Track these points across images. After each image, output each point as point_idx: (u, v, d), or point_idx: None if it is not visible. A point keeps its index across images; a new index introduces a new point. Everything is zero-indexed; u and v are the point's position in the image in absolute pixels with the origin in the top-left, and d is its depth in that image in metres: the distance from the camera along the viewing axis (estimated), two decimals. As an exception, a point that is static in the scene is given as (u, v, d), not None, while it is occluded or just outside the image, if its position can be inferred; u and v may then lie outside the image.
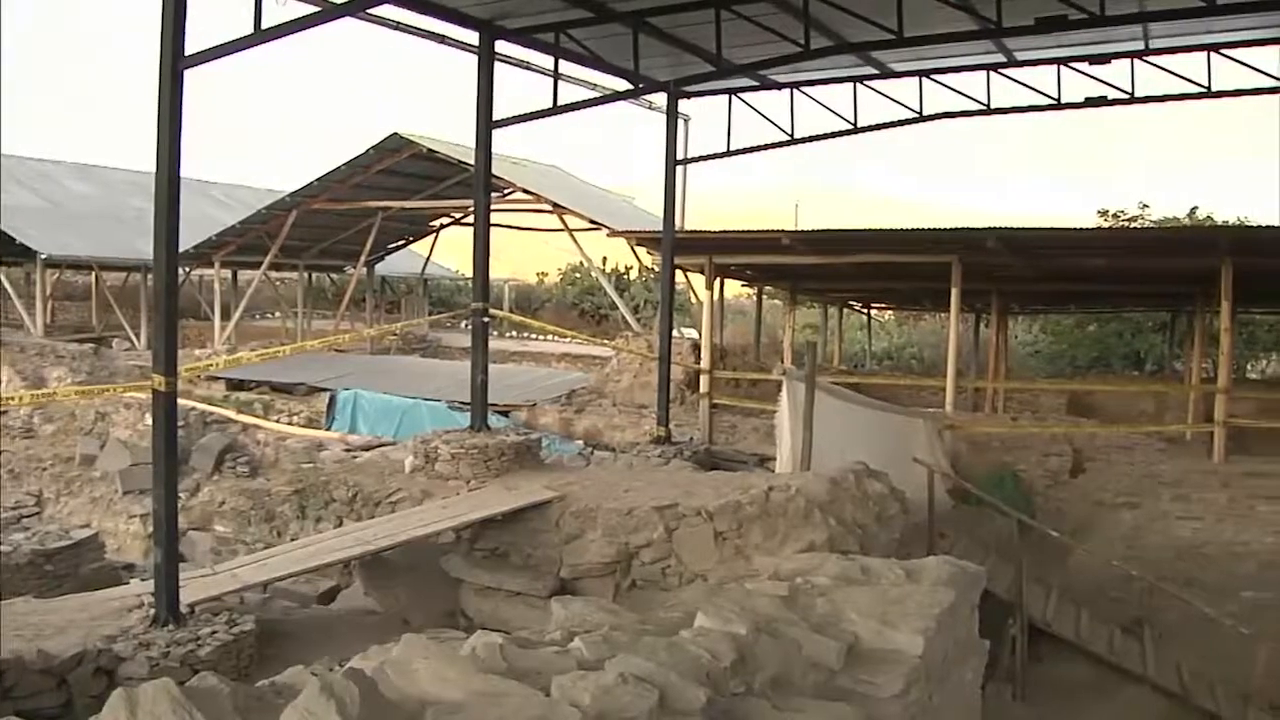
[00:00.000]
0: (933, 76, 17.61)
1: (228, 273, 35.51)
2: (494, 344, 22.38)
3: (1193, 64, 16.19)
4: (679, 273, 23.12)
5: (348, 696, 3.36)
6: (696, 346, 21.55)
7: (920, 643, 5.42)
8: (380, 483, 13.44)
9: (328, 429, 21.93)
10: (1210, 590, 13.63)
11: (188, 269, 33.10)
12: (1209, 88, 16.19)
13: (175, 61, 9.34)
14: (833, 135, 18.59)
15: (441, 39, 15.74)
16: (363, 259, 34.16)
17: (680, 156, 19.26)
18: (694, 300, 32.13)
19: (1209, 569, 14.48)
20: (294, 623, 11.14)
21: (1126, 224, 31.08)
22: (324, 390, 23.06)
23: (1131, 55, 16.28)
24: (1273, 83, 15.83)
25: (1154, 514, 15.40)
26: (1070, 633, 12.40)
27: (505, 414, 20.42)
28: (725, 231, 20.11)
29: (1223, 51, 15.73)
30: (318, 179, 29.29)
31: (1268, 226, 19.68)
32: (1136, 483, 16.18)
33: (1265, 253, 16.95)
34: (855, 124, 18.18)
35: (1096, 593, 14.05)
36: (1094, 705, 11.52)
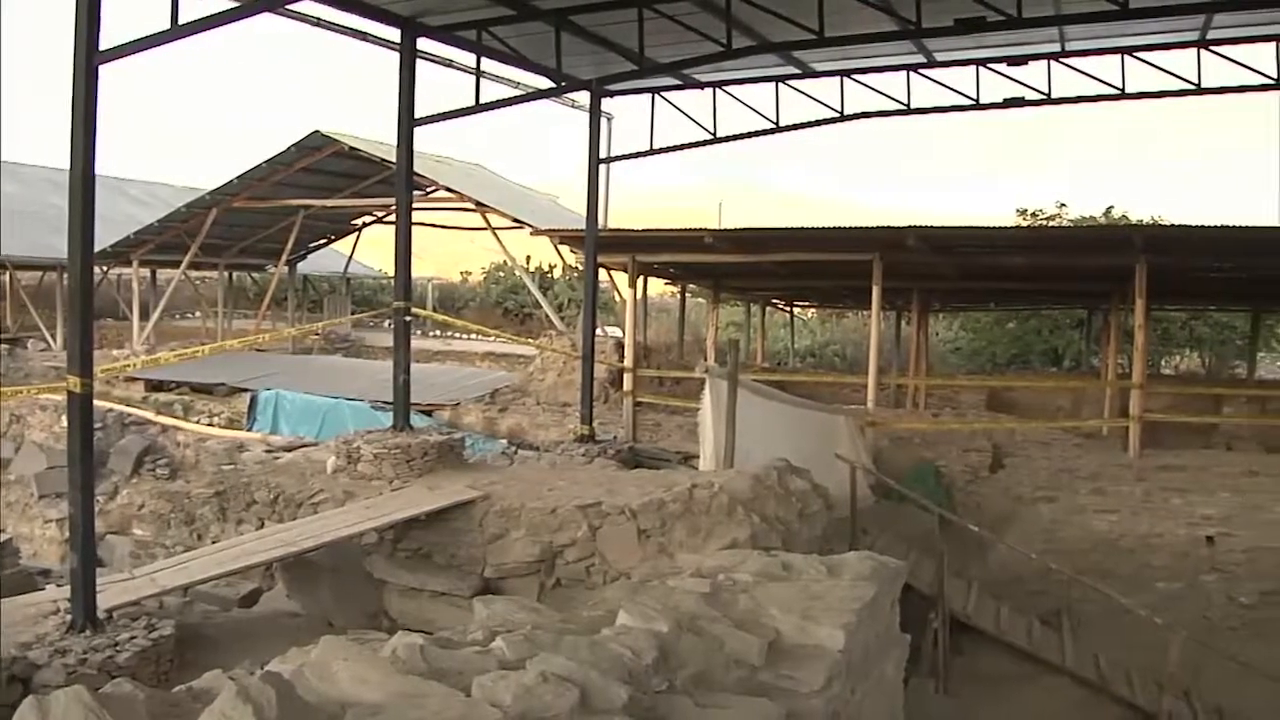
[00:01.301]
0: (854, 76, 17.74)
1: (146, 272, 35.00)
2: (417, 343, 22.26)
3: (1107, 66, 16.49)
4: (602, 271, 23.16)
5: (264, 700, 3.33)
6: (620, 345, 21.59)
7: (841, 637, 5.47)
8: (302, 484, 13.29)
9: (249, 430, 21.70)
10: (1126, 582, 13.88)
11: (105, 268, 32.57)
12: (1123, 89, 16.48)
13: (90, 56, 9.16)
14: (755, 134, 18.67)
15: (363, 36, 15.61)
16: (284, 258, 33.82)
17: (603, 155, 19.25)
18: (618, 299, 32.17)
19: (1125, 561, 14.74)
20: (215, 626, 11.00)
21: (1045, 223, 31.54)
22: (245, 390, 22.82)
23: (1048, 57, 16.53)
24: (1182, 85, 16.16)
25: (1071, 508, 15.63)
26: (990, 625, 12.57)
27: (429, 413, 20.34)
28: (648, 230, 20.14)
29: (1136, 54, 16.04)
30: (238, 177, 28.95)
31: (1180, 225, 20.05)
32: (1054, 477, 16.43)
33: (1178, 251, 17.30)
34: (777, 123, 18.27)
35: (1016, 585, 14.25)
36: (1014, 696, 11.68)
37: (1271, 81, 15.60)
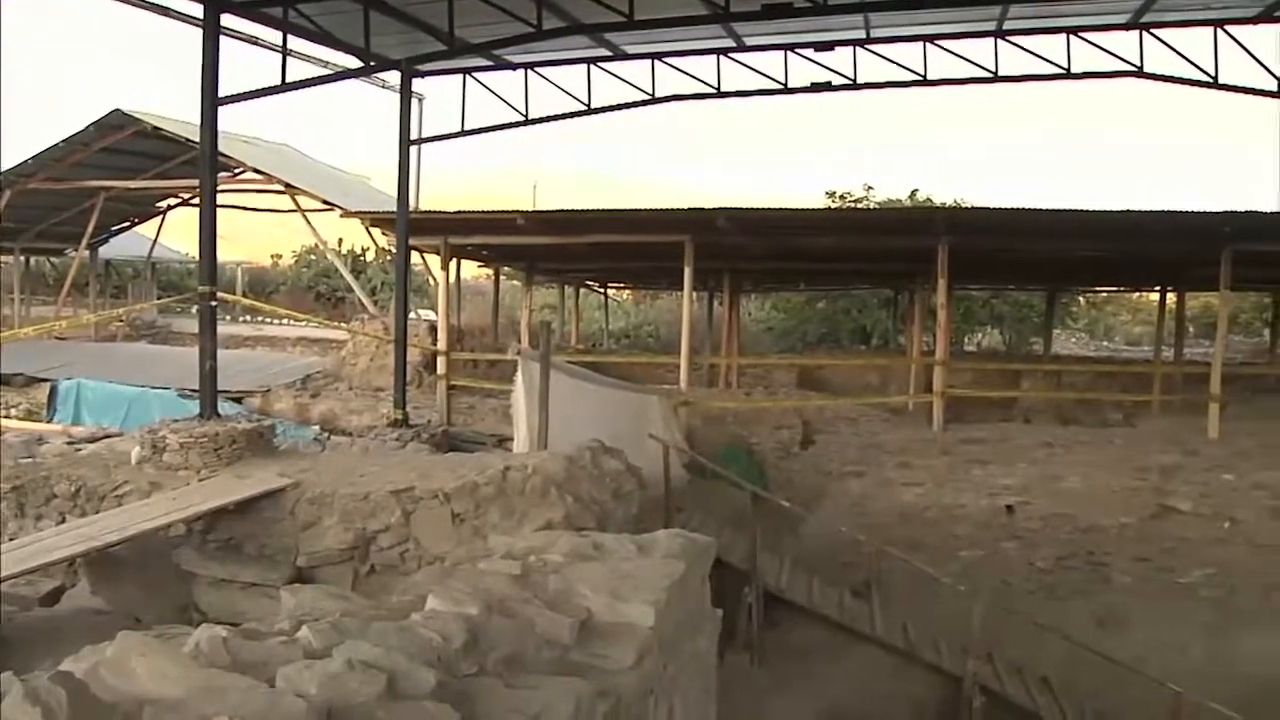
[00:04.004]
0: (665, 59, 17.87)
1: (-66, 257, 33.54)
2: (227, 329, 21.77)
3: (910, 53, 16.93)
4: (417, 254, 22.90)
5: (54, 700, 3.21)
6: (434, 328, 21.42)
7: (651, 614, 5.52)
8: (105, 476, 12.82)
9: (49, 421, 20.84)
10: (932, 551, 14.28)
11: (-113, 254, 31.08)
12: (925, 76, 16.94)
13: None
14: (567, 116, 18.64)
15: (164, 11, 15.13)
16: (85, 241, 32.68)
17: (414, 136, 19.02)
18: (432, 282, 31.92)
19: (930, 531, 15.15)
20: (15, 627, 10.55)
21: (852, 205, 32.27)
22: (44, 380, 22.00)
23: (854, 43, 16.89)
24: (981, 73, 16.70)
25: (879, 481, 16.01)
26: (803, 598, 12.81)
27: (238, 400, 19.88)
28: (460, 212, 19.96)
29: (937, 42, 16.52)
30: (33, 157, 27.91)
31: (980, 208, 20.75)
32: (863, 452, 16.85)
33: (978, 232, 17.89)
34: (589, 105, 18.31)
35: (828, 559, 14.51)
36: (827, 666, 11.94)
37: (1062, 71, 16.25)
